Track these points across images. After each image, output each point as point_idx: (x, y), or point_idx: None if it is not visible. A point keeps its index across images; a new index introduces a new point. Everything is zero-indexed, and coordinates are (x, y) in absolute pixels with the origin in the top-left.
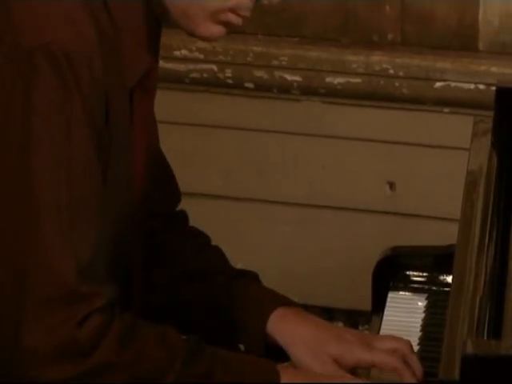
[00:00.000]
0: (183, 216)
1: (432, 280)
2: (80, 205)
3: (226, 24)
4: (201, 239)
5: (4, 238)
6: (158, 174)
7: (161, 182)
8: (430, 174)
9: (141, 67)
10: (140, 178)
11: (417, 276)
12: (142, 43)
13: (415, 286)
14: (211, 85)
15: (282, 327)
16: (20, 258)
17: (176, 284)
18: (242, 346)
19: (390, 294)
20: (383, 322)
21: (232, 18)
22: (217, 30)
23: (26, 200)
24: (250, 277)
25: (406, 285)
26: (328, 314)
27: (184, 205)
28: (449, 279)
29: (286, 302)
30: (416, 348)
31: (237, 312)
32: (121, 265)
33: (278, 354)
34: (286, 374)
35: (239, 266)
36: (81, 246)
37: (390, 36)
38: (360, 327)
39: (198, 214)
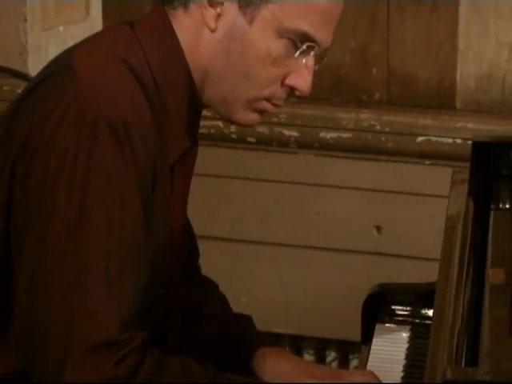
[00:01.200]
0: (198, 268)
1: (415, 313)
2: (126, 263)
3: (262, 111)
4: (209, 286)
5: (55, 288)
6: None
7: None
8: (413, 219)
9: (182, 147)
10: (179, 234)
11: (401, 310)
12: (185, 126)
13: (400, 318)
14: (218, 139)
15: (263, 363)
16: (68, 307)
17: (187, 322)
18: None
19: (378, 326)
20: (371, 352)
21: (267, 106)
22: (253, 117)
23: (80, 255)
24: (245, 321)
25: (392, 318)
26: (322, 344)
27: None
28: (430, 313)
29: (270, 344)
30: (401, 375)
31: (230, 350)
32: (161, 300)
33: None
34: None
35: (243, 300)
36: (123, 299)
37: (377, 96)
38: (350, 356)
39: (208, 255)
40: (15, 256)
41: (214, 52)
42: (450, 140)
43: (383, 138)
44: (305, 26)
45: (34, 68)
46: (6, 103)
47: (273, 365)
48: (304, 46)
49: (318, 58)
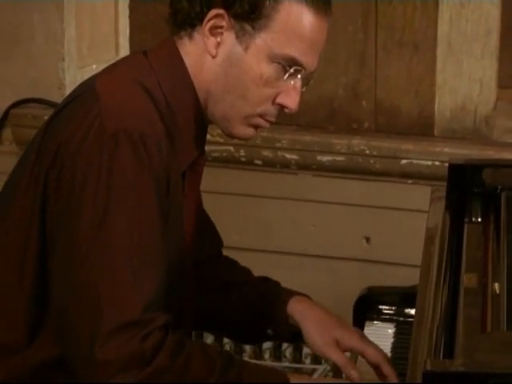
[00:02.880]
0: (221, 251)
1: (399, 313)
2: (147, 253)
3: (256, 126)
4: (232, 261)
5: (84, 277)
6: (204, 229)
7: (207, 234)
8: (397, 231)
9: (191, 156)
10: (190, 236)
11: (387, 309)
12: (193, 138)
13: (386, 317)
14: (229, 162)
15: (298, 307)
16: (96, 293)
17: (217, 292)
18: (270, 331)
19: (367, 324)
20: None
21: (261, 122)
22: (249, 131)
23: (105, 248)
24: (272, 281)
25: (379, 316)
26: None
27: None
28: (412, 312)
29: (300, 294)
30: None
31: (264, 306)
32: (174, 299)
33: (299, 337)
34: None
35: None
36: (146, 286)
37: (366, 124)
38: None
39: None
40: (50, 257)
41: (215, 75)
42: (429, 162)
43: (371, 161)
44: (292, 52)
45: None
46: None
47: (308, 309)
48: (292, 70)
49: (305, 81)
